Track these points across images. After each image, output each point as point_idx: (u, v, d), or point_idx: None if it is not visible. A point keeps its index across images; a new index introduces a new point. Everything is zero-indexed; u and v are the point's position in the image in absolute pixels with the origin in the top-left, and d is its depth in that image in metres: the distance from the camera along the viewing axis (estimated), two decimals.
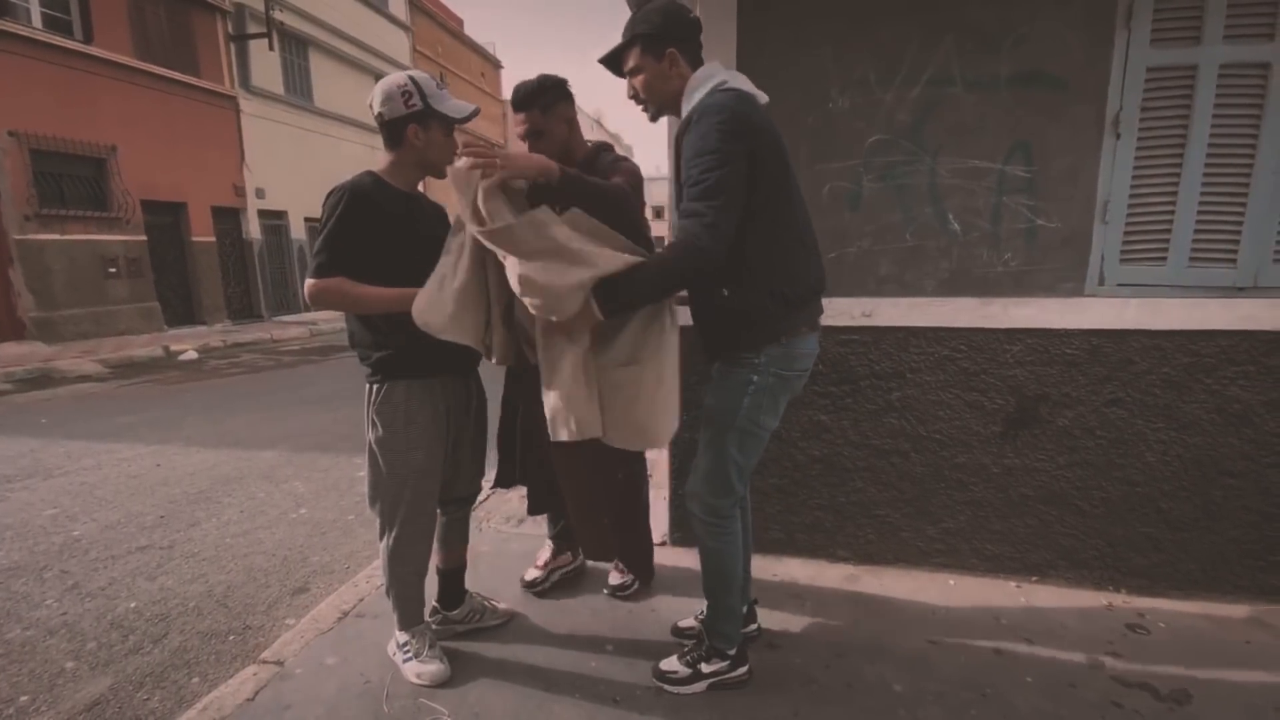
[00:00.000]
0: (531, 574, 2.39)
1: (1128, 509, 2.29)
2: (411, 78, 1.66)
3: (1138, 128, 2.12)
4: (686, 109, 1.59)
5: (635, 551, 2.30)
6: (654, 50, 1.60)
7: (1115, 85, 2.10)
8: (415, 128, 1.65)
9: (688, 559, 2.56)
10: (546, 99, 2.01)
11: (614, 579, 2.36)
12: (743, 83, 1.60)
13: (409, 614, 1.91)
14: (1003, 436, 2.33)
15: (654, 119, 1.73)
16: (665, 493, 2.74)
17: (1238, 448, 2.18)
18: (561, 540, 2.43)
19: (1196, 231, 2.14)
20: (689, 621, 2.09)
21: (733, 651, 1.84)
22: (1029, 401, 2.29)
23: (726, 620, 1.83)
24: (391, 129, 1.67)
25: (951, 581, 2.40)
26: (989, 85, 2.17)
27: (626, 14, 1.67)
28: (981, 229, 2.26)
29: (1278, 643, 2.03)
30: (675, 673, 1.84)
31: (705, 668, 1.82)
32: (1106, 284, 2.22)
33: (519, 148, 1.97)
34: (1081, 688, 1.83)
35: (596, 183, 1.75)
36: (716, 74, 1.60)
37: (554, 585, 2.38)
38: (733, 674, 1.84)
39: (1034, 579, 2.39)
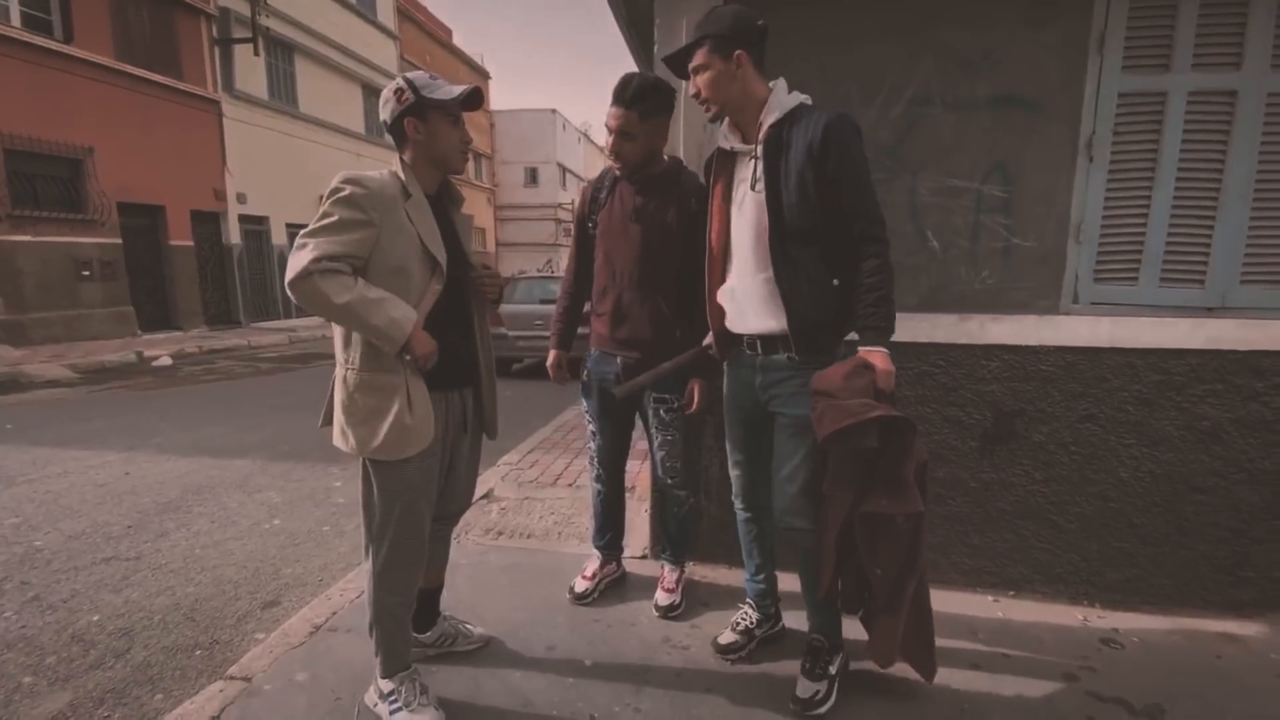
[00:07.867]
0: (581, 585, 2.36)
1: (1101, 524, 2.32)
2: (404, 76, 1.68)
3: (1110, 151, 2.17)
4: (774, 115, 1.64)
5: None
6: (722, 50, 1.62)
7: (1088, 109, 2.16)
8: (413, 121, 1.64)
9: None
10: (648, 105, 1.95)
11: (662, 599, 2.29)
12: None
13: (394, 656, 1.75)
14: (980, 451, 2.36)
15: (714, 119, 1.74)
16: (646, 506, 2.72)
17: (1208, 464, 2.23)
18: (610, 550, 2.46)
19: (1167, 253, 2.19)
20: (730, 636, 2.06)
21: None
22: (1005, 417, 2.32)
23: (835, 608, 1.87)
24: (394, 129, 1.67)
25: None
26: (968, 106, 2.21)
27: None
28: (960, 247, 2.29)
29: (1249, 657, 2.06)
30: (818, 692, 1.77)
31: (833, 669, 1.84)
32: (1080, 302, 2.26)
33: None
34: (1057, 703, 1.84)
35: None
36: (795, 92, 1.68)
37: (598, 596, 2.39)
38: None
39: (1011, 593, 2.41)
